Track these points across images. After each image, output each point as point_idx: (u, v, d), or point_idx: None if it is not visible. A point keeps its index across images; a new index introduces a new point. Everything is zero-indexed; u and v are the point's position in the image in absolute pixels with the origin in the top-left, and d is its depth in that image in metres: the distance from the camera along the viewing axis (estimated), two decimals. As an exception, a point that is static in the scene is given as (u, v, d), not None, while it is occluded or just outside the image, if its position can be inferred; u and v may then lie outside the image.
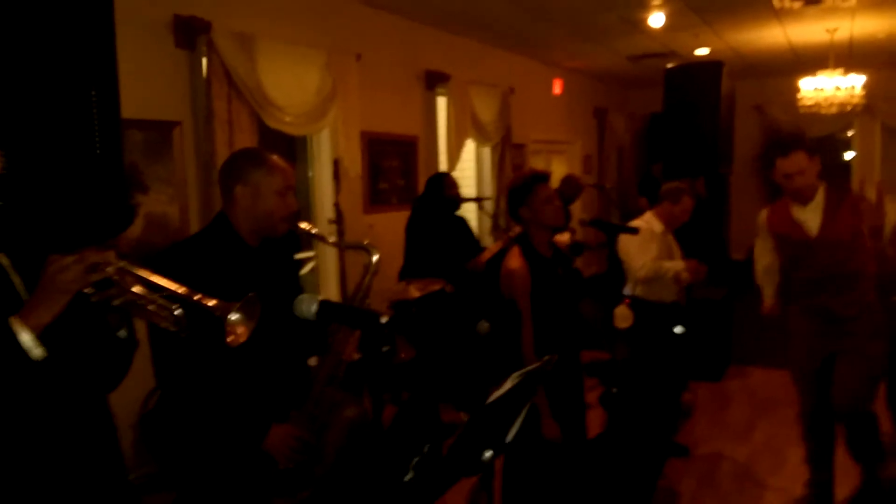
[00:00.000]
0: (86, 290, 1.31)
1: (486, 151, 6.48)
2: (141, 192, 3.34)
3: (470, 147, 6.18)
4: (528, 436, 1.62)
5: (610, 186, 8.44)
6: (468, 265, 4.01)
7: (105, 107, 2.22)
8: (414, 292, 3.89)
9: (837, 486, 3.04)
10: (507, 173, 6.26)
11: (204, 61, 3.55)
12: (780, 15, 5.57)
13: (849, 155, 9.17)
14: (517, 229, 2.70)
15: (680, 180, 4.13)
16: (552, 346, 2.34)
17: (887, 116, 8.45)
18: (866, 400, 2.79)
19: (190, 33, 3.52)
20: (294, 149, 4.64)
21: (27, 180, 1.93)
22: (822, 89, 6.79)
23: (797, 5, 5.24)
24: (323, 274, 4.74)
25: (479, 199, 5.48)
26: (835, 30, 6.08)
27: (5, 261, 1.38)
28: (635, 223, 3.60)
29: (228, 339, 1.32)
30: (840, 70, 6.70)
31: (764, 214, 2.99)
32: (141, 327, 1.52)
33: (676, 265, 3.60)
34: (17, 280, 1.37)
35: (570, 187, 5.61)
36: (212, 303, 1.31)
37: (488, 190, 6.44)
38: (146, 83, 3.31)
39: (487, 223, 6.04)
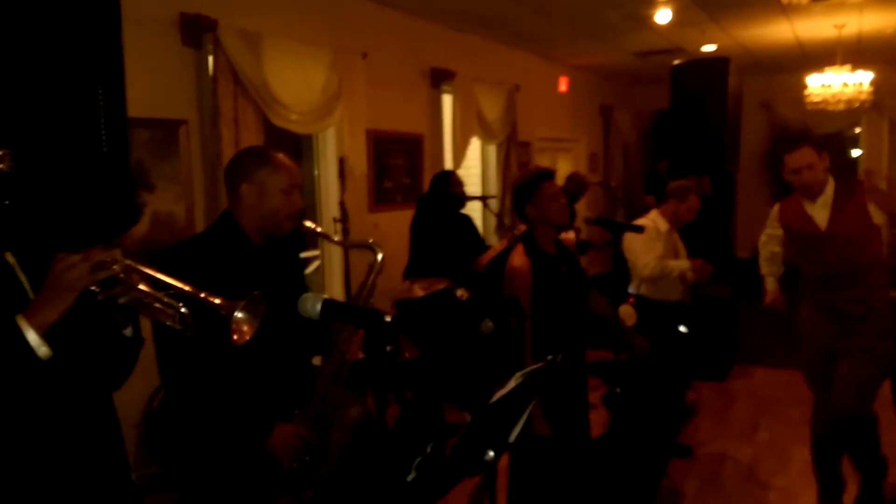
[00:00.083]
0: (92, 289, 1.31)
1: (492, 149, 6.47)
2: (147, 190, 3.35)
3: (475, 145, 6.17)
4: (524, 433, 1.62)
5: (615, 184, 8.42)
6: (470, 265, 4.02)
7: (111, 105, 2.23)
8: (418, 291, 3.89)
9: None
10: (513, 171, 6.25)
11: (210, 59, 3.56)
12: (787, 11, 5.53)
13: (856, 152, 9.11)
14: (522, 227, 2.70)
15: (686, 178, 4.12)
16: (556, 344, 2.33)
17: (895, 113, 8.39)
18: (866, 403, 2.77)
19: (196, 31, 3.52)
20: (300, 147, 4.65)
21: (34, 179, 1.94)
22: (829, 86, 6.75)
23: (805, 1, 5.21)
24: (328, 272, 4.75)
25: (484, 198, 5.47)
26: (843, 26, 6.04)
27: (12, 259, 1.38)
28: (640, 221, 3.58)
29: (233, 338, 1.32)
30: (848, 66, 6.66)
31: (777, 207, 3.02)
32: (145, 326, 1.53)
33: (682, 264, 3.59)
34: (23, 278, 1.38)
35: (576, 185, 5.59)
36: (217, 301, 1.32)
37: (493, 188, 6.43)
38: (152, 81, 3.32)
39: (493, 221, 6.03)
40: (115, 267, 1.30)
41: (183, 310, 1.32)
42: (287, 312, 1.62)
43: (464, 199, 4.53)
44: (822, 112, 7.11)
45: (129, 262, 1.33)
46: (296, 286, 1.94)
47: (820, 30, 6.21)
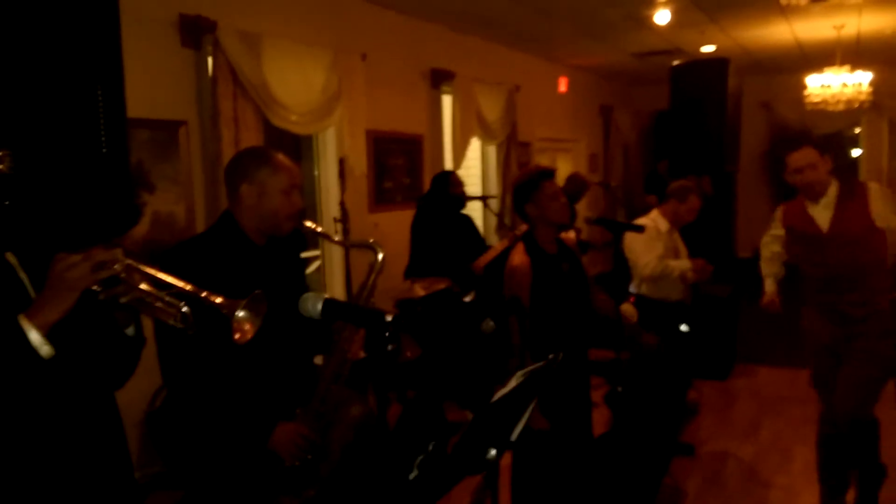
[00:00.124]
0: (93, 288, 1.31)
1: (492, 150, 6.47)
2: (147, 191, 3.35)
3: (475, 145, 6.18)
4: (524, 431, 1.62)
5: (615, 184, 8.42)
6: (469, 266, 4.02)
7: (111, 106, 2.23)
8: (419, 291, 3.89)
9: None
10: (513, 171, 6.26)
11: (210, 60, 3.56)
12: (786, 11, 5.54)
13: (856, 152, 9.12)
14: (523, 227, 2.70)
15: (686, 178, 4.12)
16: (557, 343, 2.33)
17: (895, 113, 8.40)
18: (867, 405, 2.76)
19: (196, 32, 3.53)
20: (300, 147, 4.65)
21: (34, 179, 1.94)
22: (829, 86, 6.76)
23: (804, 2, 5.21)
24: (328, 272, 4.75)
25: (484, 198, 5.47)
26: (842, 26, 6.05)
27: (13, 259, 1.38)
28: (641, 221, 3.59)
29: (235, 337, 1.32)
30: (847, 67, 6.67)
31: (781, 209, 3.01)
32: (147, 325, 1.53)
33: (682, 264, 3.59)
34: (24, 278, 1.38)
35: (576, 186, 5.60)
36: (219, 300, 1.31)
37: (494, 188, 6.44)
38: (152, 82, 3.32)
39: (493, 221, 6.03)
40: (116, 266, 1.30)
41: (184, 309, 1.32)
42: (288, 312, 1.62)
43: (464, 199, 4.54)
44: (822, 112, 7.12)
45: (130, 261, 1.33)
46: (297, 286, 1.94)
47: (819, 30, 6.22)
